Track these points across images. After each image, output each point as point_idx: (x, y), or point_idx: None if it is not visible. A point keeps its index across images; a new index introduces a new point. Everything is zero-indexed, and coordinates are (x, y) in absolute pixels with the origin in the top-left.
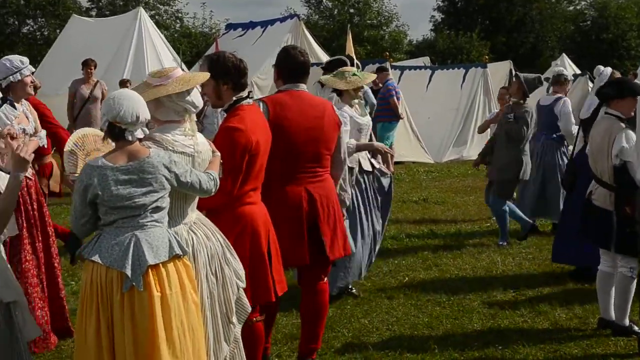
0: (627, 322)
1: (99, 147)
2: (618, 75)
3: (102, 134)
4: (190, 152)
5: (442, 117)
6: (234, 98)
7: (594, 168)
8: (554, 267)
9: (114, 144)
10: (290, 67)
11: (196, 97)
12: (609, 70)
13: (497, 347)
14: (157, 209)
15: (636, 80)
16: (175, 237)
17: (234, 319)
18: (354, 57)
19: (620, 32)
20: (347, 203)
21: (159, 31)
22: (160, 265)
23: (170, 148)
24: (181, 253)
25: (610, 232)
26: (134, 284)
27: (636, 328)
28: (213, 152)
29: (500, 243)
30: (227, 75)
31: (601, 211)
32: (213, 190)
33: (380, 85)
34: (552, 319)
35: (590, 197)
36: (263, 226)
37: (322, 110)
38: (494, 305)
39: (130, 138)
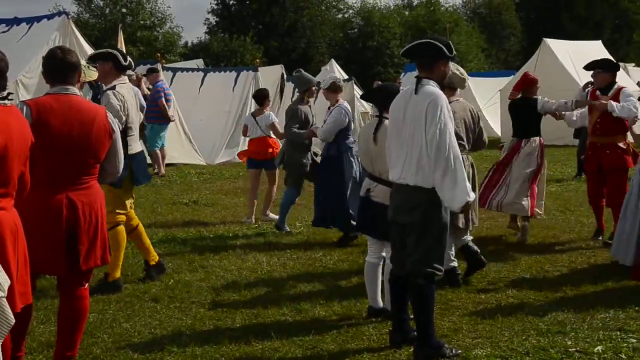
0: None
1: None
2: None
3: None
4: None
5: (214, 119)
6: None
7: (371, 168)
8: (315, 265)
9: None
10: (54, 67)
11: None
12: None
13: (257, 345)
14: None
15: (401, 87)
16: None
17: None
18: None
19: (384, 41)
20: None
21: None
22: None
23: None
24: None
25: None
26: None
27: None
28: None
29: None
30: None
31: (381, 207)
32: None
33: (151, 86)
34: (312, 316)
35: (368, 195)
36: (10, 234)
37: (91, 117)
38: (257, 305)
39: None
